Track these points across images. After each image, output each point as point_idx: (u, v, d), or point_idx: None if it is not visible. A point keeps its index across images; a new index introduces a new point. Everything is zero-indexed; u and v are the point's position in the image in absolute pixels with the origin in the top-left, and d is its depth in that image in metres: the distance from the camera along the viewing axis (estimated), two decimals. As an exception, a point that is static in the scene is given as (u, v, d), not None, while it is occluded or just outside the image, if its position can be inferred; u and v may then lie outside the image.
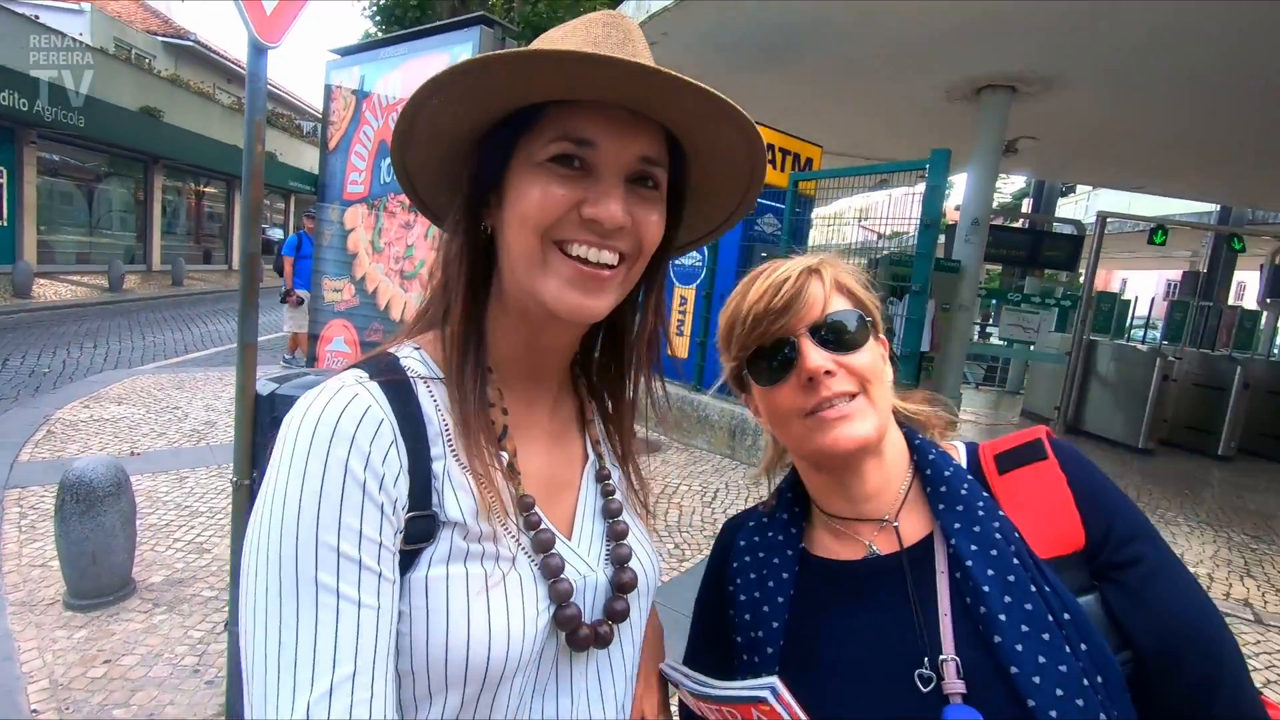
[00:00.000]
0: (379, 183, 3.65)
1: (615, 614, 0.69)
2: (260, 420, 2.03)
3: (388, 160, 3.61)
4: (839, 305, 0.78)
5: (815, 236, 6.87)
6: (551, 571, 0.64)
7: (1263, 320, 11.43)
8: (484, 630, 0.57)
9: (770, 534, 0.85)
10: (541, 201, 0.60)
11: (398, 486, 0.56)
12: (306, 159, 26.05)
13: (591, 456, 0.77)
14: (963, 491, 0.75)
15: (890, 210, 6.25)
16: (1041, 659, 0.64)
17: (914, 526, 0.78)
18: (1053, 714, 0.62)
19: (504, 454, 0.66)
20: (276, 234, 27.93)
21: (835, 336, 0.76)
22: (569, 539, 0.69)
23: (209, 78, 22.34)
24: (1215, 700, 0.65)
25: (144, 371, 8.04)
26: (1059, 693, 0.62)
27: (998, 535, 0.70)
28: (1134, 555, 0.70)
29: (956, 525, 0.73)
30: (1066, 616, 0.65)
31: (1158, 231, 9.65)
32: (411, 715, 0.58)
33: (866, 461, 0.78)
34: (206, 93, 20.33)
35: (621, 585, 0.70)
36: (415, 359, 0.66)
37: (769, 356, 0.78)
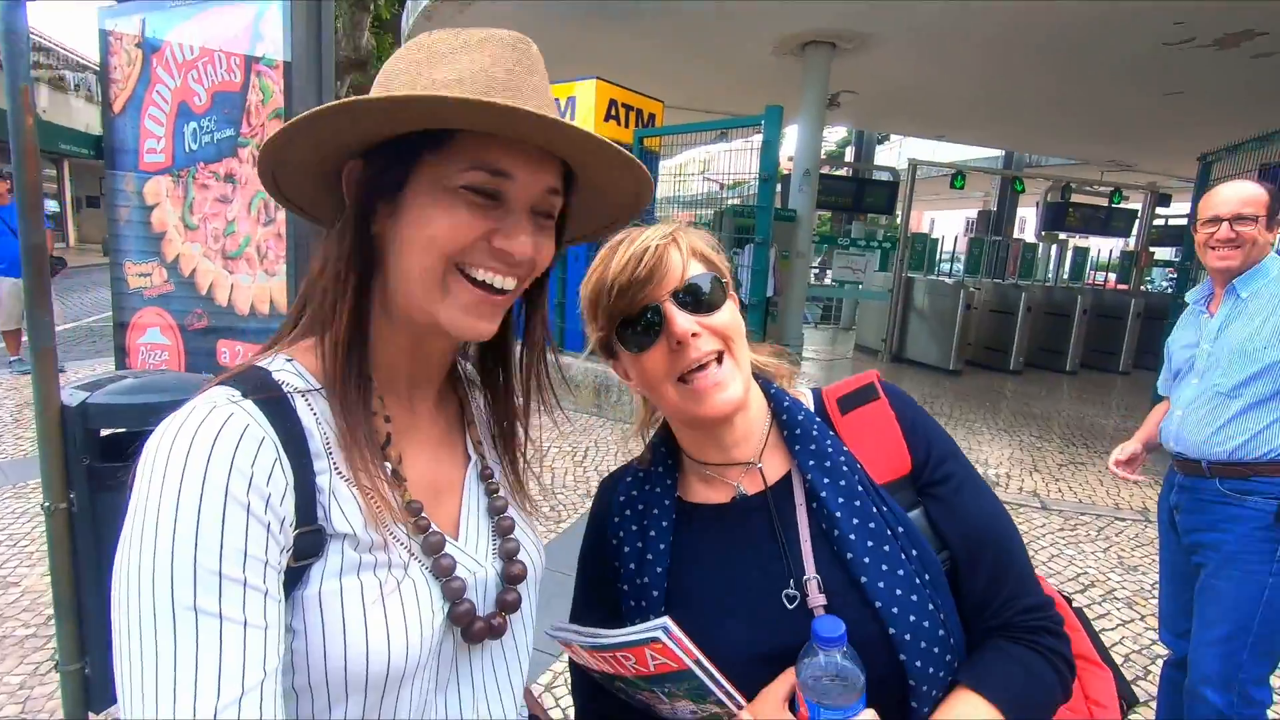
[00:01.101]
0: (183, 151, 3.23)
1: (507, 605, 0.72)
2: (70, 435, 1.78)
3: (192, 125, 3.19)
4: (696, 270, 0.82)
5: (662, 190, 7.01)
6: (443, 571, 0.65)
7: (1039, 251, 13.30)
8: (382, 639, 0.58)
9: (647, 487, 0.91)
10: (453, 229, 0.61)
11: (284, 505, 0.55)
12: (80, 117, 22.25)
13: (474, 457, 0.78)
14: (814, 433, 0.86)
15: (730, 163, 6.51)
16: (884, 567, 0.77)
17: (775, 467, 0.88)
18: (894, 610, 0.75)
19: (388, 464, 0.66)
20: (52, 206, 23.78)
21: (696, 299, 0.81)
22: (456, 540, 0.70)
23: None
24: (1006, 582, 0.82)
25: (-109, 383, 6.66)
26: (898, 592, 0.76)
27: (844, 468, 0.82)
28: (946, 473, 0.85)
29: (811, 462, 0.83)
30: (900, 530, 0.79)
31: (957, 176, 10.83)
32: None
33: (736, 414, 0.85)
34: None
35: (511, 577, 0.73)
36: (289, 371, 0.63)
37: (636, 324, 0.81)
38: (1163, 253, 14.41)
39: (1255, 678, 1.91)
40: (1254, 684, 1.91)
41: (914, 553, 0.78)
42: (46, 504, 1.77)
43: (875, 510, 0.80)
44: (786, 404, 0.89)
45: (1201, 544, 2.03)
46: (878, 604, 0.75)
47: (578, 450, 5.29)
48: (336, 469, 0.61)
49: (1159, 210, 12.67)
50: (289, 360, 0.65)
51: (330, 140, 0.61)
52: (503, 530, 0.75)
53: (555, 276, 5.73)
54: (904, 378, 9.23)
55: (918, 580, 0.77)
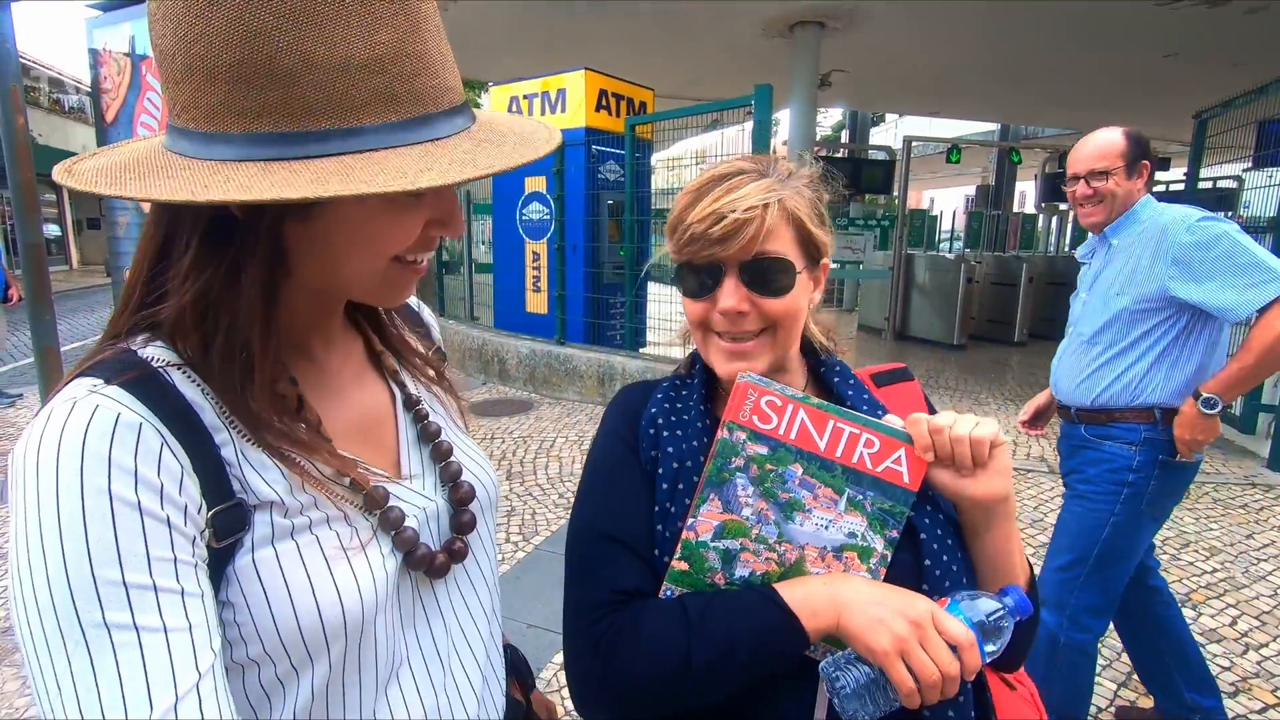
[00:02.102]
0: (177, 156, 3.26)
1: (463, 527, 0.71)
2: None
3: (184, 130, 3.21)
4: (777, 244, 0.79)
5: (658, 180, 7.02)
6: (392, 524, 0.63)
7: (1039, 222, 13.24)
8: (333, 595, 0.56)
9: (684, 393, 0.90)
10: (398, 233, 0.58)
11: (184, 492, 0.51)
12: (76, 139, 22.39)
13: (394, 387, 0.75)
14: (860, 387, 0.90)
15: (724, 149, 6.51)
16: (929, 507, 0.80)
17: None
18: (934, 546, 0.78)
19: (302, 426, 0.61)
20: (53, 230, 23.94)
21: (762, 277, 0.79)
22: (399, 477, 0.68)
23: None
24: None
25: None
26: (939, 532, 0.79)
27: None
28: None
29: (864, 407, 0.85)
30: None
31: (953, 151, 10.79)
32: (280, 698, 0.56)
33: None
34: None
35: (460, 499, 0.72)
36: (158, 347, 0.56)
37: (697, 273, 0.81)
38: (1164, 218, 14.31)
39: (1088, 606, 1.99)
40: (1087, 612, 1.99)
41: (949, 505, 0.81)
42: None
43: None
44: (835, 361, 0.92)
45: (1069, 484, 2.15)
46: (921, 536, 0.78)
47: (584, 439, 5.31)
48: (245, 436, 0.56)
49: (1159, 175, 12.58)
50: (152, 343, 0.57)
51: None
52: (442, 454, 0.73)
53: (554, 269, 5.71)
54: (908, 355, 9.21)
55: (954, 528, 0.81)
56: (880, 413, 0.84)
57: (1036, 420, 2.40)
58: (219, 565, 0.53)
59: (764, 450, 0.75)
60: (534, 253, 7.26)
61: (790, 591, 0.74)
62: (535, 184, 7.05)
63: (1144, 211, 1.97)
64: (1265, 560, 3.45)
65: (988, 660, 0.70)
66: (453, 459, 0.74)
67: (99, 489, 0.47)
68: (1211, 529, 3.80)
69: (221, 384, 0.56)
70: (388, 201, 0.56)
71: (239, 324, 0.55)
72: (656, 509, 0.81)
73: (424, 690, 0.66)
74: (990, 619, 0.71)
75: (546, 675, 2.53)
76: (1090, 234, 2.15)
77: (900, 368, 0.97)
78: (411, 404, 0.75)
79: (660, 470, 0.83)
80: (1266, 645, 2.74)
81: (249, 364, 0.56)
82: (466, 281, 9.05)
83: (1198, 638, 2.75)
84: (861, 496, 0.75)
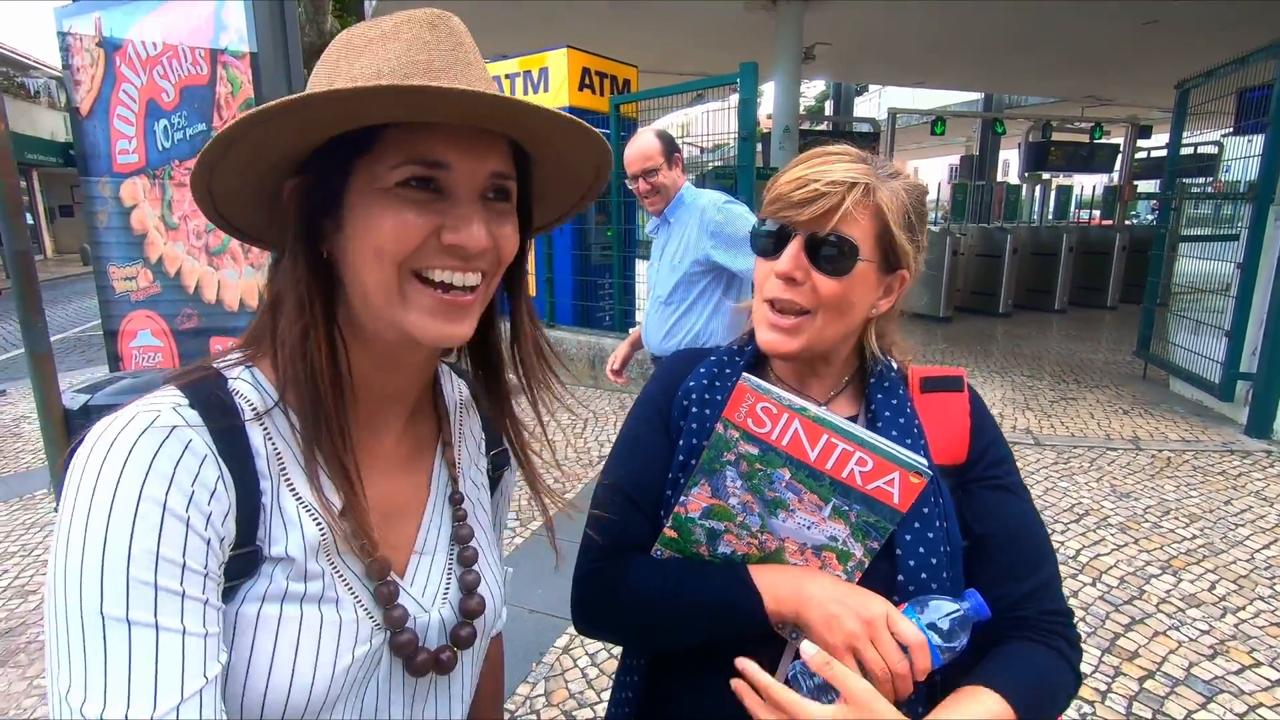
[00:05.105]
0: (156, 149, 3.20)
1: (460, 640, 0.68)
2: (76, 438, 1.81)
3: (162, 123, 3.16)
4: (851, 228, 0.80)
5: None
6: (385, 599, 0.62)
7: (1023, 192, 13.28)
8: (307, 668, 0.57)
9: (728, 370, 0.92)
10: (397, 232, 0.56)
11: (225, 525, 0.53)
12: (42, 125, 21.81)
13: (444, 479, 0.73)
14: (900, 391, 0.89)
15: (709, 125, 6.46)
16: (916, 524, 0.80)
17: (843, 409, 0.91)
18: (911, 563, 0.78)
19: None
20: (25, 219, 23.30)
21: (824, 254, 0.80)
22: (402, 577, 0.67)
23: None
24: (1026, 580, 0.82)
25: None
26: (920, 550, 0.79)
27: (913, 429, 0.86)
28: (994, 473, 0.88)
29: (887, 413, 0.87)
30: (940, 501, 0.82)
31: (937, 123, 10.76)
32: None
33: (783, 358, 0.89)
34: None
35: (468, 611, 0.69)
36: (246, 380, 0.60)
37: (771, 233, 0.85)
38: (1146, 185, 14.36)
39: None
40: None
41: (944, 524, 0.81)
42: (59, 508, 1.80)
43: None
44: (880, 362, 0.92)
45: None
46: (899, 551, 0.79)
47: (576, 423, 5.34)
48: (292, 488, 0.59)
49: (1140, 143, 12.64)
50: (249, 368, 0.61)
51: (255, 161, 0.56)
52: (465, 560, 0.71)
53: (541, 253, 5.65)
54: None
55: (941, 548, 0.80)
56: (907, 434, 0.84)
57: (621, 370, 2.80)
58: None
59: (754, 450, 0.78)
60: (520, 235, 7.20)
61: (761, 575, 0.79)
62: (520, 165, 6.97)
63: (688, 195, 2.55)
64: (1242, 525, 3.56)
65: (942, 661, 0.74)
66: (474, 567, 0.72)
67: (155, 499, 0.49)
68: (1191, 495, 3.91)
69: (309, 422, 0.59)
70: (390, 195, 0.56)
71: (296, 331, 0.58)
72: (670, 476, 0.87)
73: None
74: (946, 621, 0.73)
75: (550, 659, 2.58)
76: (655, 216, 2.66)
77: (953, 376, 0.93)
78: (456, 500, 0.73)
79: (680, 442, 0.88)
80: (1243, 609, 2.84)
81: (318, 377, 0.59)
82: (452, 265, 8.98)
83: (1178, 603, 2.85)
84: (847, 507, 0.77)
